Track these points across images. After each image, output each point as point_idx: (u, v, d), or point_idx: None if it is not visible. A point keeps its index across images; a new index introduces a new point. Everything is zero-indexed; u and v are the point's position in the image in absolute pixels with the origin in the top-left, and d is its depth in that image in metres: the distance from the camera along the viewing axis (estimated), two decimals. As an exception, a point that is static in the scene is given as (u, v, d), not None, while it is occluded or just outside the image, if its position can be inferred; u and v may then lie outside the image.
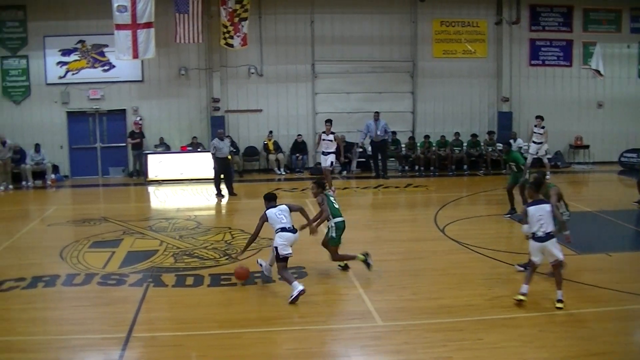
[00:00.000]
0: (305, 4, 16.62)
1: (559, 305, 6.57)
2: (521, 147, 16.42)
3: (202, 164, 14.82)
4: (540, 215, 6.56)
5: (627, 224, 11.09)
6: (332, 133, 13.24)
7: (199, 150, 15.94)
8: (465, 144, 16.70)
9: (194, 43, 15.72)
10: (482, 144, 16.67)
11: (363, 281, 7.76)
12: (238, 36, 15.84)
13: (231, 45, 15.87)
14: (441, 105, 17.20)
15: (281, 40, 16.59)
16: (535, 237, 6.61)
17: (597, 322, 6.54)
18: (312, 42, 16.68)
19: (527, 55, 17.54)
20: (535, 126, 15.02)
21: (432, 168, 16.36)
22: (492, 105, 17.50)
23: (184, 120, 16.60)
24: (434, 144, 16.53)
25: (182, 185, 15.10)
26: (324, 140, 13.20)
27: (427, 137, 16.64)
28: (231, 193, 13.43)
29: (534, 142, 15.01)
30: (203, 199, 13.73)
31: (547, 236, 6.58)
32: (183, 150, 16.04)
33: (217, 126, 15.66)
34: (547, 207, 6.65)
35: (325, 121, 13.31)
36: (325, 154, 13.24)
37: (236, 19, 15.77)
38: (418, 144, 16.64)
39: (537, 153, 14.96)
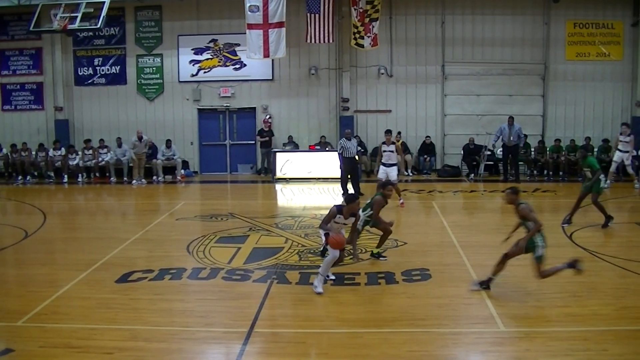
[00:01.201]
0: (436, 4, 18.87)
1: None
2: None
3: (330, 163, 17.13)
4: None
5: None
6: (393, 143, 13.93)
7: (327, 149, 18.42)
8: (596, 149, 18.81)
9: (324, 43, 18.18)
10: (613, 149, 18.78)
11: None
12: (368, 36, 18.32)
13: (361, 46, 18.34)
14: (572, 109, 19.12)
15: (411, 41, 18.92)
16: None
17: None
18: (443, 43, 18.96)
19: (663, 58, 19.55)
20: (621, 134, 16.54)
21: (561, 173, 18.28)
22: (625, 110, 19.37)
23: (312, 120, 19.22)
24: (564, 149, 18.76)
25: (309, 184, 17.33)
26: (385, 151, 13.79)
27: (557, 140, 18.72)
28: (358, 193, 15.50)
29: (619, 150, 16.50)
30: (329, 198, 15.66)
31: None
32: (311, 149, 18.56)
33: (346, 126, 17.89)
34: None
35: (385, 132, 14.18)
36: (387, 165, 13.79)
37: (367, 20, 18.22)
38: (548, 148, 18.88)
39: (621, 161, 16.50)
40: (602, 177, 11.94)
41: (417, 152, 18.99)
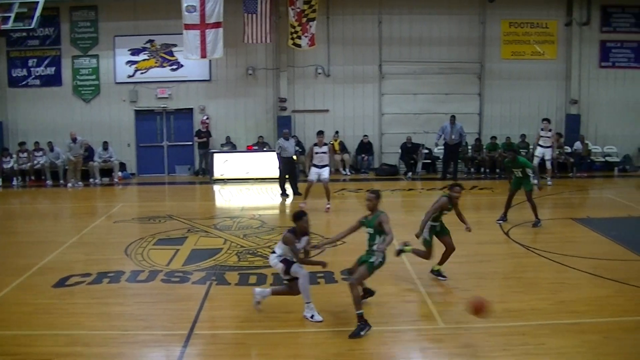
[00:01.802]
0: (373, 4, 20.19)
1: None
2: (590, 150, 20.37)
3: (268, 163, 18.23)
4: None
5: None
6: (325, 144, 14.61)
7: (264, 149, 19.66)
8: (531, 147, 20.52)
9: (262, 43, 19.50)
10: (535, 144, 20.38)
11: (426, 283, 9.41)
12: (306, 36, 19.72)
13: (299, 46, 19.69)
14: (508, 107, 20.62)
15: (349, 40, 20.22)
16: None
17: None
18: (380, 42, 20.33)
19: (597, 56, 20.89)
20: (542, 129, 18.02)
21: (498, 170, 19.83)
22: (560, 108, 20.98)
23: (250, 120, 20.52)
24: (500, 146, 20.45)
25: (247, 184, 18.44)
26: (317, 153, 14.41)
27: (493, 138, 20.25)
28: (296, 193, 16.47)
29: (540, 146, 17.99)
30: (268, 199, 16.83)
31: None
32: (249, 149, 19.84)
33: (284, 126, 19.15)
34: None
35: (317, 133, 14.97)
36: (319, 167, 14.44)
37: (304, 19, 19.56)
38: (484, 146, 20.56)
39: (543, 156, 17.94)
40: (531, 174, 13.19)
41: (355, 152, 20.46)
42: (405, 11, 20.37)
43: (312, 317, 7.90)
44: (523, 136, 20.20)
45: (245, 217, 14.00)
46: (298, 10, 19.36)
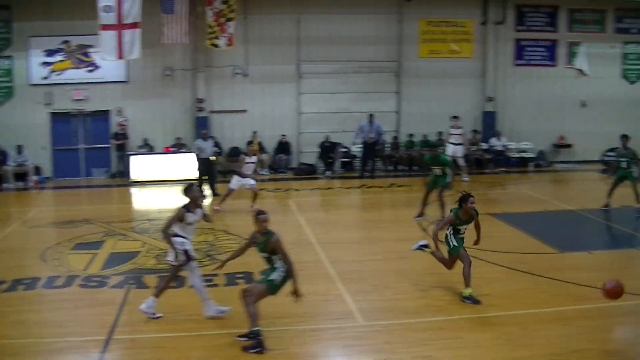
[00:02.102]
0: (292, 4, 22.47)
1: None
2: (506, 146, 23.38)
3: (186, 164, 20.38)
4: None
5: (608, 222, 15.50)
6: (255, 155, 16.46)
7: (182, 150, 21.99)
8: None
9: (179, 44, 21.82)
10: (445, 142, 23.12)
11: (345, 281, 10.62)
12: (224, 36, 22.02)
13: (217, 46, 21.80)
14: (426, 105, 23.31)
15: (267, 40, 22.59)
16: None
17: (578, 320, 9.04)
18: (298, 42, 22.74)
19: (512, 55, 23.97)
20: (452, 127, 20.67)
21: (415, 168, 22.63)
22: (476, 105, 24.01)
23: (168, 121, 22.69)
24: (417, 144, 23.26)
25: (166, 186, 20.33)
26: (247, 163, 15.94)
27: (410, 136, 23.13)
28: (214, 194, 18.64)
29: (451, 144, 20.38)
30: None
31: None
32: (166, 151, 22.14)
33: (202, 127, 21.36)
34: None
35: (247, 142, 16.71)
36: (244, 176, 15.95)
37: (222, 19, 21.75)
38: (402, 144, 23.36)
39: (454, 154, 20.42)
40: (448, 172, 14.99)
41: (273, 151, 23.01)
42: (323, 10, 22.87)
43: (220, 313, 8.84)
44: (440, 133, 22.99)
45: (163, 219, 15.09)
46: (216, 10, 21.52)
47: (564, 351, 8.18)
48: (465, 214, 9.94)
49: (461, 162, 20.84)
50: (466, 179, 20.51)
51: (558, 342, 8.48)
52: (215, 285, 10.48)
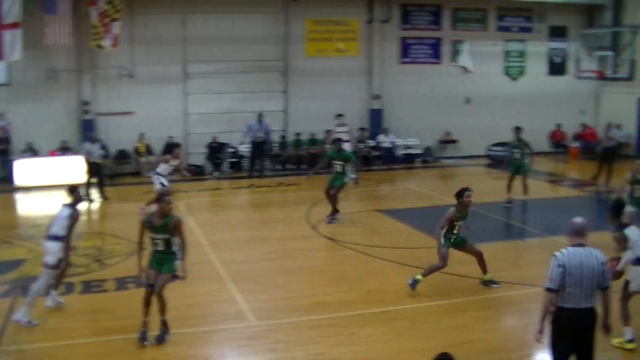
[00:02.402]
0: (177, 4, 24.96)
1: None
2: (393, 143, 26.83)
3: (73, 168, 22.38)
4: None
5: (495, 215, 17.58)
6: (177, 158, 18.25)
7: (68, 154, 24.26)
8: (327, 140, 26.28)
9: (63, 44, 23.92)
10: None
11: (236, 282, 11.74)
12: (109, 37, 24.23)
13: (102, 47, 23.82)
14: (313, 103, 26.32)
15: (153, 41, 24.95)
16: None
17: (467, 312, 10.26)
18: (185, 42, 25.37)
19: (397, 53, 27.44)
20: (337, 125, 22.96)
21: (303, 166, 25.58)
22: (364, 103, 27.36)
23: (52, 124, 24.60)
24: (304, 142, 26.43)
25: (52, 190, 21.38)
26: (171, 165, 17.83)
27: (298, 134, 26.14)
28: (103, 197, 20.82)
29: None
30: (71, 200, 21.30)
31: None
32: (51, 155, 24.22)
33: (88, 130, 23.56)
34: None
35: (174, 145, 18.87)
36: (165, 176, 17.60)
37: (107, 20, 23.86)
38: (289, 143, 26.48)
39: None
40: (348, 168, 16.80)
41: (161, 153, 25.64)
42: (209, 10, 25.53)
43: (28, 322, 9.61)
44: (328, 132, 26.10)
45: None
46: (100, 10, 23.59)
47: (455, 342, 9.28)
48: (464, 208, 11.16)
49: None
50: (353, 176, 23.45)
51: (448, 333, 9.74)
52: (105, 290, 11.66)
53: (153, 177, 17.77)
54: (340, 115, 23.98)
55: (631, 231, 9.28)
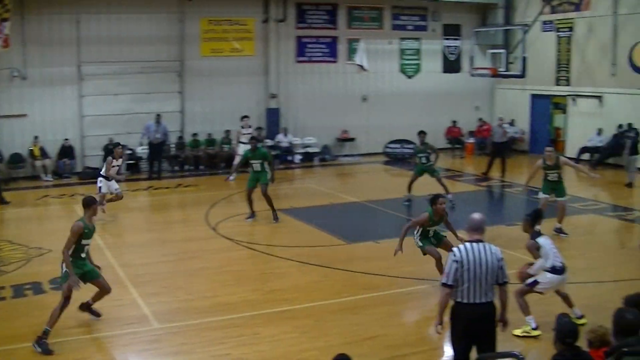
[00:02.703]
0: (70, 4, 27.21)
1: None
2: (291, 142, 30.23)
3: None
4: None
5: (392, 211, 19.38)
6: (121, 157, 19.68)
7: (-39, 157, 26.92)
8: (233, 142, 29.50)
9: None
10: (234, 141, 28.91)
11: (137, 285, 12.43)
12: None
13: None
14: (210, 103, 29.32)
15: (46, 41, 27.13)
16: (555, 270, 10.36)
17: (369, 308, 11.28)
18: (79, 43, 27.92)
19: (294, 52, 30.77)
20: (242, 127, 25.43)
21: (201, 167, 28.72)
22: (260, 102, 30.50)
23: None
24: (202, 143, 29.54)
25: None
26: (113, 166, 19.01)
27: (195, 135, 29.02)
28: (2, 202, 22.32)
29: (242, 143, 24.55)
30: None
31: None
32: None
33: None
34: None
35: (116, 145, 20.63)
36: (109, 179, 19.04)
37: None
38: (187, 144, 29.58)
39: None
40: (267, 166, 18.19)
41: (57, 156, 28.30)
42: (103, 10, 28.06)
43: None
44: (227, 132, 29.32)
45: None
46: None
47: (358, 339, 10.26)
48: (437, 214, 11.99)
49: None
50: (231, 178, 25.70)
51: (351, 330, 10.62)
52: (3, 298, 12.34)
53: (98, 179, 19.16)
54: (246, 116, 26.70)
55: (544, 240, 10.61)
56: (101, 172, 19.23)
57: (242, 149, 24.35)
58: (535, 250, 10.57)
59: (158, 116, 27.20)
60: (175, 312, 11.54)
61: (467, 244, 7.86)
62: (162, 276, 13.50)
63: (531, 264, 10.70)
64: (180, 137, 29.04)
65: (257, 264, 14.77)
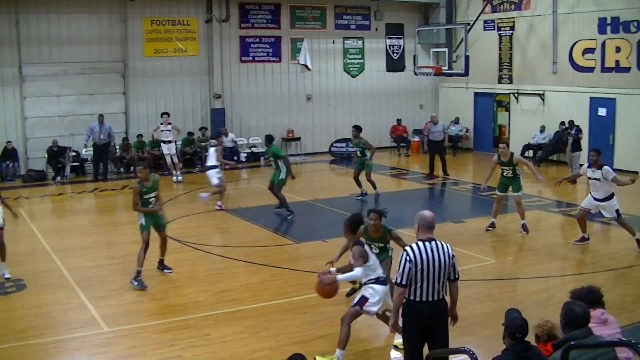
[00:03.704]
0: (9, 3, 27.39)
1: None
2: (235, 141, 30.75)
3: None
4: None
5: (339, 210, 19.58)
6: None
7: None
8: (179, 143, 30.20)
9: None
10: (196, 141, 30.47)
11: (85, 288, 12.64)
12: None
13: None
14: (154, 104, 29.72)
15: None
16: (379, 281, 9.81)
17: (319, 307, 11.42)
18: (19, 43, 28.06)
19: (237, 52, 31.30)
20: (162, 124, 26.01)
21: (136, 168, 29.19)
22: (205, 103, 30.98)
23: None
24: (147, 144, 29.94)
25: None
26: None
27: (140, 136, 29.43)
28: None
29: (163, 142, 25.97)
30: None
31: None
32: None
33: None
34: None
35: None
36: None
37: None
38: (132, 145, 29.90)
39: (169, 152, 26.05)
40: (281, 165, 19.12)
41: (-1, 159, 28.47)
42: (43, 10, 28.25)
43: None
44: (191, 133, 29.69)
45: None
46: None
47: (309, 338, 10.52)
48: (372, 231, 11.01)
49: (175, 159, 26.75)
50: (179, 178, 26.44)
51: (302, 330, 10.86)
52: None
53: None
54: (165, 113, 26.91)
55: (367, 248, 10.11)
56: None
57: (165, 149, 26.36)
58: (360, 258, 9.81)
59: (101, 116, 27.43)
60: (125, 315, 11.69)
61: (420, 243, 7.93)
62: (110, 279, 13.72)
63: (328, 272, 10.13)
64: (125, 139, 29.21)
65: (205, 265, 15.00)
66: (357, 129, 21.80)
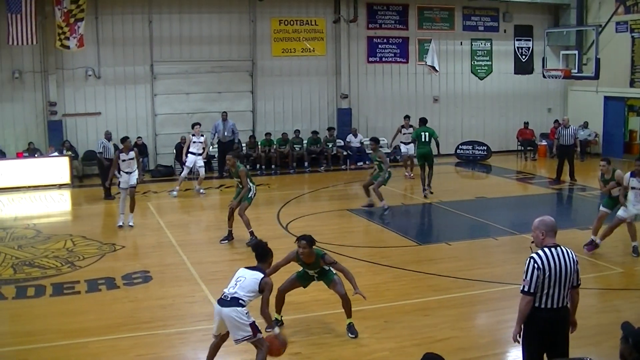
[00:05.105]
0: (143, 3, 28.65)
1: None
2: (362, 143, 31.04)
3: (40, 170, 26.10)
4: None
5: (464, 213, 19.70)
6: (132, 150, 19.84)
7: (35, 155, 27.82)
8: (305, 142, 30.63)
9: (27, 45, 27.26)
10: (322, 140, 30.89)
11: (209, 282, 12.96)
12: (74, 37, 27.82)
13: (67, 47, 27.31)
14: (281, 103, 30.46)
15: (119, 41, 28.63)
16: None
17: (440, 310, 11.51)
18: (151, 42, 29.08)
19: (364, 52, 31.63)
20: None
21: (273, 166, 29.41)
22: (331, 102, 31.38)
23: (19, 126, 28.06)
24: (274, 142, 30.50)
25: (20, 192, 24.22)
26: (124, 160, 19.36)
27: (268, 134, 29.97)
28: (107, 196, 23.87)
29: (192, 153, 24.45)
30: (42, 206, 22.14)
31: None
32: (19, 156, 27.88)
33: (55, 131, 27.29)
34: None
35: (121, 139, 20.59)
36: (128, 173, 19.39)
37: (72, 20, 27.36)
38: (259, 143, 30.49)
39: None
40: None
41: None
42: (175, 10, 29.40)
43: None
44: (297, 132, 30.27)
45: (19, 227, 18.47)
46: (65, 10, 26.94)
47: (428, 341, 10.47)
48: (304, 257, 10.79)
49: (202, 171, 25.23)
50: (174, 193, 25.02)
51: (422, 332, 10.87)
52: (78, 292, 13.02)
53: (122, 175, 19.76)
54: (197, 124, 25.50)
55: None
56: None
57: (190, 161, 24.85)
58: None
59: (224, 114, 28.15)
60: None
61: (547, 249, 7.94)
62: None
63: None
64: (252, 136, 29.86)
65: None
66: (375, 141, 21.43)
